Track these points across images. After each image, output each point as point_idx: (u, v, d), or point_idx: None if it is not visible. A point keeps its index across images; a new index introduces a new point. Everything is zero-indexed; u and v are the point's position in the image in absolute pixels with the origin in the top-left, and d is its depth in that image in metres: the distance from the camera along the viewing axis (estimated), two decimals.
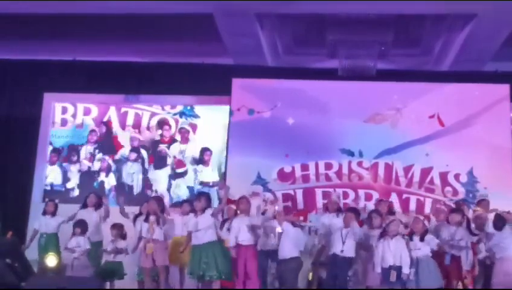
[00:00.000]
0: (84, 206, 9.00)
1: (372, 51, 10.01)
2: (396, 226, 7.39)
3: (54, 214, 9.06)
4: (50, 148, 10.99)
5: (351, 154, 9.90)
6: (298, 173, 9.92)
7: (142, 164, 10.78)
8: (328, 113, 10.04)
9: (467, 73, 10.28)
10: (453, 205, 9.11)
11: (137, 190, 10.68)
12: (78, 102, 11.10)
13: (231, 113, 10.24)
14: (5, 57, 10.95)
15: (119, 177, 10.77)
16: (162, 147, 10.79)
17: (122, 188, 10.65)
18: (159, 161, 10.73)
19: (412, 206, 9.48)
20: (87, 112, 11.07)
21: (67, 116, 11.10)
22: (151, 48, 10.62)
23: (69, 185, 10.86)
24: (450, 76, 10.29)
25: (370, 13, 9.47)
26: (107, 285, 8.32)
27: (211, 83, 10.46)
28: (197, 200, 7.92)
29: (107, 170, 10.81)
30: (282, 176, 9.94)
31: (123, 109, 10.97)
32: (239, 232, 7.67)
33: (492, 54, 10.00)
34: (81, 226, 8.40)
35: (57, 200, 9.19)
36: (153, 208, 7.94)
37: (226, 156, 10.21)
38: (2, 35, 10.36)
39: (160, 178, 10.69)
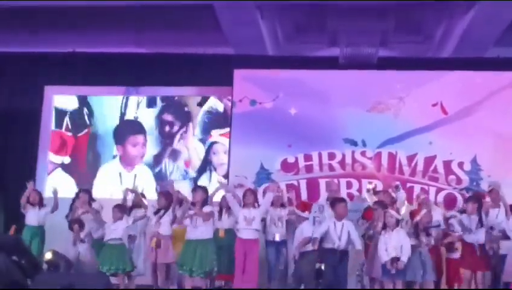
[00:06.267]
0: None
1: (373, 38, 9.95)
2: (390, 218, 7.44)
3: (40, 204, 8.97)
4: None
5: (354, 144, 9.87)
6: (301, 163, 9.90)
7: None
8: (331, 103, 10.00)
9: (469, 60, 10.21)
10: (457, 194, 9.15)
11: None
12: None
13: (233, 104, 10.19)
14: (4, 49, 10.85)
15: None
16: None
17: None
18: None
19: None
20: None
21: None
22: (151, 38, 10.51)
23: None
24: (453, 63, 10.22)
25: (370, 0, 9.41)
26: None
27: (212, 74, 10.40)
28: (195, 192, 7.97)
29: None
30: (286, 166, 9.92)
31: None
32: (244, 221, 7.71)
33: (495, 39, 9.95)
34: (77, 222, 8.39)
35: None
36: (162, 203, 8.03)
37: (229, 148, 10.18)
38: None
39: None
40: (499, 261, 7.69)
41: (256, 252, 7.74)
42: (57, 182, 10.30)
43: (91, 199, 8.87)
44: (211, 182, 10.34)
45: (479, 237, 7.34)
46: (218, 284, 8.37)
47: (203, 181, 10.29)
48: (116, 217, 8.07)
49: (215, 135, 10.63)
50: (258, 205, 7.82)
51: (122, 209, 8.17)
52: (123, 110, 10.91)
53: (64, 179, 10.80)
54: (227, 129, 10.43)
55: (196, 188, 8.16)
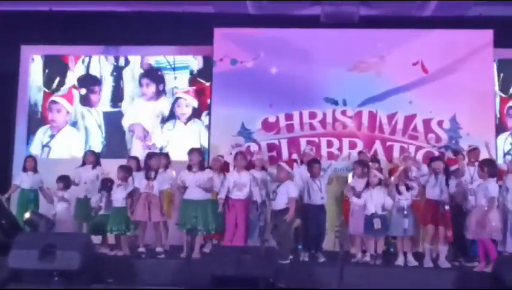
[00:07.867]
0: (83, 164, 8.99)
1: None
2: (374, 177, 7.72)
3: (34, 170, 9.06)
4: None
5: (335, 103, 9.89)
6: (282, 122, 9.91)
7: None
8: (312, 62, 9.96)
9: (451, 18, 10.16)
10: (437, 153, 9.23)
11: None
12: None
13: (214, 63, 10.12)
14: None
15: None
16: None
17: None
18: None
19: (396, 153, 9.55)
20: None
21: None
22: None
23: None
24: (434, 22, 10.17)
25: None
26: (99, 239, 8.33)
27: (192, 33, 10.25)
28: (191, 154, 7.96)
29: None
30: (267, 126, 9.93)
31: None
32: (234, 187, 7.90)
33: None
34: (63, 181, 8.37)
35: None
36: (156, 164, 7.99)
37: (210, 107, 10.15)
38: None
39: None
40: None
41: (245, 212, 7.93)
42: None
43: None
44: (175, 127, 10.63)
45: (444, 195, 7.51)
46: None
47: (169, 126, 10.68)
48: (119, 176, 8.00)
49: (180, 92, 10.76)
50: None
51: (126, 170, 8.08)
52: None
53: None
54: (190, 88, 10.67)
55: (192, 150, 8.07)
